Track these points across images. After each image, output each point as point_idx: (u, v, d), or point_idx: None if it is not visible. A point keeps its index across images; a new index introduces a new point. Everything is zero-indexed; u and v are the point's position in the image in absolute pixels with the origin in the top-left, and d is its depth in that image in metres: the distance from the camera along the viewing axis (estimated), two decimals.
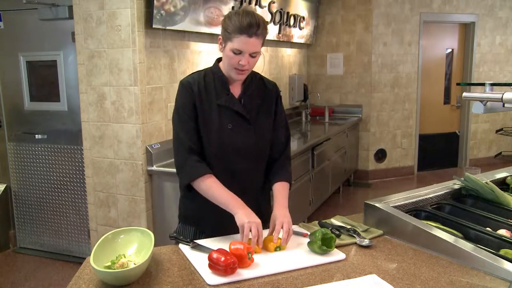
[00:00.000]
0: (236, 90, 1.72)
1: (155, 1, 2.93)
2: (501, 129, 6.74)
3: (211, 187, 1.62)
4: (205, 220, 1.74)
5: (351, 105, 6.07)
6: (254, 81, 1.76)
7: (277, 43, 5.15)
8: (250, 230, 1.49)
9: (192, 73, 1.76)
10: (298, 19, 5.33)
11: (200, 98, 1.67)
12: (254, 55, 1.61)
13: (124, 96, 3.05)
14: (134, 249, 1.46)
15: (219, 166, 1.68)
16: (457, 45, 6.46)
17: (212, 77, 1.71)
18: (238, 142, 1.67)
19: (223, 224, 1.65)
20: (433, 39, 6.25)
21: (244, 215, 1.52)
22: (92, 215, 3.35)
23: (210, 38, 3.72)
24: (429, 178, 6.15)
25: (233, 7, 3.76)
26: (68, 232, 3.74)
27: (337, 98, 6.16)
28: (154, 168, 3.08)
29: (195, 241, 1.59)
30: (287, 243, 1.54)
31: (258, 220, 1.52)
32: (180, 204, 1.84)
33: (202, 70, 1.77)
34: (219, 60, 1.75)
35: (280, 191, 1.72)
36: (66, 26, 3.38)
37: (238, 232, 1.57)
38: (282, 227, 1.55)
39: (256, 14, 1.61)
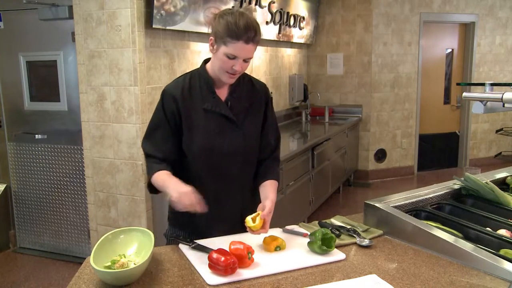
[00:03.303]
0: (222, 92, 1.67)
1: (155, 1, 2.93)
2: (501, 129, 6.74)
3: (157, 178, 1.61)
4: (190, 224, 1.72)
5: (351, 105, 6.07)
6: (242, 82, 1.70)
7: (277, 43, 5.15)
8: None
9: (178, 77, 1.71)
10: (298, 19, 5.34)
11: (184, 103, 1.62)
12: (247, 60, 1.57)
13: (124, 96, 3.05)
14: (134, 249, 1.46)
15: (207, 170, 1.66)
16: (457, 45, 6.46)
17: (198, 80, 1.66)
18: (225, 146, 1.63)
19: (208, 228, 1.65)
20: (433, 39, 6.25)
21: (174, 192, 1.50)
22: (92, 215, 3.35)
23: None
24: (429, 178, 6.15)
25: (233, 7, 3.76)
26: (68, 232, 3.74)
27: (337, 98, 6.16)
28: None
29: (195, 241, 1.59)
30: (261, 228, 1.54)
31: (187, 190, 1.50)
32: (168, 206, 1.83)
33: (188, 72, 1.71)
34: (206, 61, 1.70)
35: (269, 188, 1.68)
36: (66, 26, 3.38)
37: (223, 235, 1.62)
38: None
39: (251, 17, 1.55)
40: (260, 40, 1.60)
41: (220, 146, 1.63)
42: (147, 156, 1.68)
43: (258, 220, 1.52)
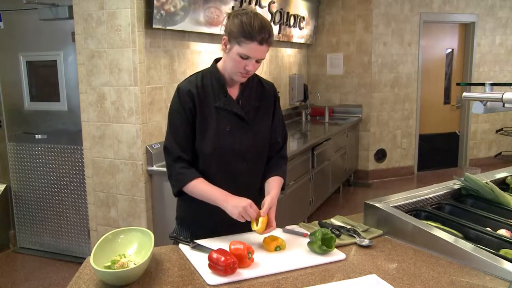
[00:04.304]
0: (233, 91, 1.69)
1: (155, 1, 2.93)
2: (501, 129, 6.74)
3: (196, 188, 1.63)
4: (200, 224, 1.73)
5: (351, 105, 6.07)
6: (252, 82, 1.73)
7: (277, 43, 5.15)
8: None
9: (190, 76, 1.73)
10: (298, 19, 5.34)
11: (199, 101, 1.64)
12: (259, 61, 1.59)
13: (124, 96, 3.05)
14: (134, 249, 1.46)
15: (218, 169, 1.67)
16: (457, 45, 6.46)
17: (209, 79, 1.68)
18: (236, 144, 1.65)
19: (218, 229, 1.65)
20: (433, 39, 6.25)
21: (232, 207, 1.55)
22: (92, 215, 3.35)
23: (210, 38, 3.72)
24: (429, 178, 6.15)
25: (233, 7, 3.76)
26: (68, 232, 3.74)
27: (337, 98, 6.16)
28: (154, 168, 3.08)
29: (195, 241, 1.59)
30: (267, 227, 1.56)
31: (246, 203, 1.54)
32: (177, 206, 1.83)
33: (199, 71, 1.73)
34: (216, 60, 1.72)
35: (272, 184, 1.71)
36: (66, 26, 3.38)
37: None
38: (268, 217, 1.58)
39: (265, 19, 1.57)
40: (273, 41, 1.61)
41: (231, 145, 1.65)
42: (175, 159, 1.65)
43: (260, 223, 1.54)
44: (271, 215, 1.59)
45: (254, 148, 1.69)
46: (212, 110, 1.65)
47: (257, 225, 1.55)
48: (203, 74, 1.70)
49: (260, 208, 1.59)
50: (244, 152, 1.67)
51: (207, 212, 1.65)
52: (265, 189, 1.71)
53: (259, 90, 1.75)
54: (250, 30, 1.51)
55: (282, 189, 1.77)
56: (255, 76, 1.76)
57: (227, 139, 1.64)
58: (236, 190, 1.62)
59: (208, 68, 1.72)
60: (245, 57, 1.55)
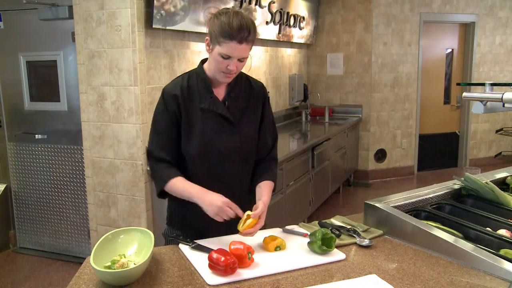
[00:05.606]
0: (220, 92, 1.67)
1: (155, 1, 2.93)
2: (501, 129, 6.74)
3: (175, 187, 1.61)
4: (188, 225, 1.72)
5: (351, 105, 6.07)
6: (240, 82, 1.71)
7: (277, 43, 5.15)
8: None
9: (177, 77, 1.72)
10: (298, 19, 5.34)
11: (184, 102, 1.63)
12: (242, 60, 1.57)
13: (124, 96, 3.05)
14: (134, 249, 1.46)
15: (205, 171, 1.65)
16: (457, 45, 6.46)
17: (196, 80, 1.67)
18: (222, 145, 1.64)
19: (207, 229, 1.64)
20: (433, 39, 6.25)
21: (208, 205, 1.54)
22: (92, 215, 3.35)
23: None
24: (429, 178, 6.15)
25: (233, 7, 3.76)
26: (68, 232, 3.74)
27: (337, 98, 6.16)
28: None
29: (195, 241, 1.59)
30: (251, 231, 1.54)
31: (221, 201, 1.52)
32: (167, 207, 1.82)
33: (186, 72, 1.72)
34: (203, 61, 1.70)
35: (263, 189, 1.68)
36: (66, 26, 3.38)
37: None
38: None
39: (246, 17, 1.55)
40: (256, 39, 1.60)
41: (217, 146, 1.63)
42: (157, 160, 1.65)
43: (245, 225, 1.52)
44: (261, 221, 1.56)
45: (242, 149, 1.67)
46: (197, 111, 1.63)
47: (242, 225, 1.53)
48: (189, 75, 1.70)
49: (247, 210, 1.57)
50: (231, 154, 1.65)
51: (193, 212, 1.63)
52: (256, 194, 1.69)
53: (247, 90, 1.72)
54: (229, 30, 1.50)
55: (273, 190, 1.75)
56: (243, 75, 1.74)
57: (213, 140, 1.63)
58: (225, 191, 1.61)
59: (195, 69, 1.71)
60: (226, 57, 1.54)
